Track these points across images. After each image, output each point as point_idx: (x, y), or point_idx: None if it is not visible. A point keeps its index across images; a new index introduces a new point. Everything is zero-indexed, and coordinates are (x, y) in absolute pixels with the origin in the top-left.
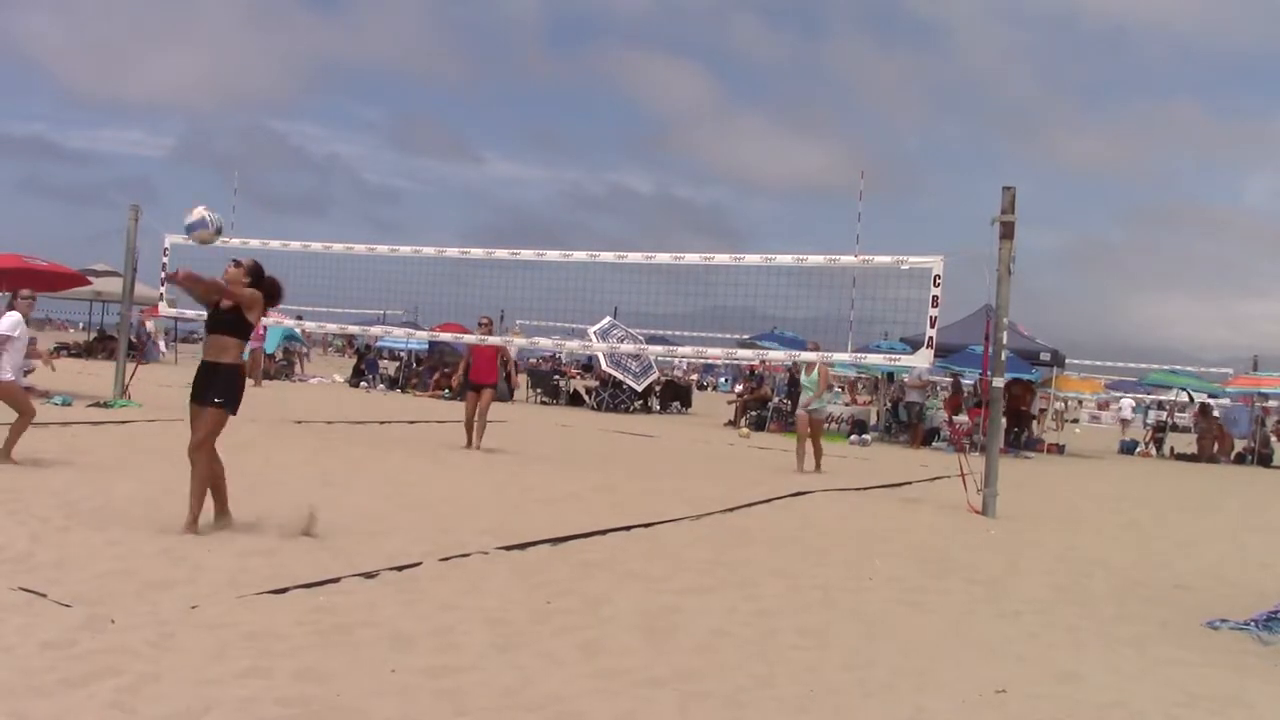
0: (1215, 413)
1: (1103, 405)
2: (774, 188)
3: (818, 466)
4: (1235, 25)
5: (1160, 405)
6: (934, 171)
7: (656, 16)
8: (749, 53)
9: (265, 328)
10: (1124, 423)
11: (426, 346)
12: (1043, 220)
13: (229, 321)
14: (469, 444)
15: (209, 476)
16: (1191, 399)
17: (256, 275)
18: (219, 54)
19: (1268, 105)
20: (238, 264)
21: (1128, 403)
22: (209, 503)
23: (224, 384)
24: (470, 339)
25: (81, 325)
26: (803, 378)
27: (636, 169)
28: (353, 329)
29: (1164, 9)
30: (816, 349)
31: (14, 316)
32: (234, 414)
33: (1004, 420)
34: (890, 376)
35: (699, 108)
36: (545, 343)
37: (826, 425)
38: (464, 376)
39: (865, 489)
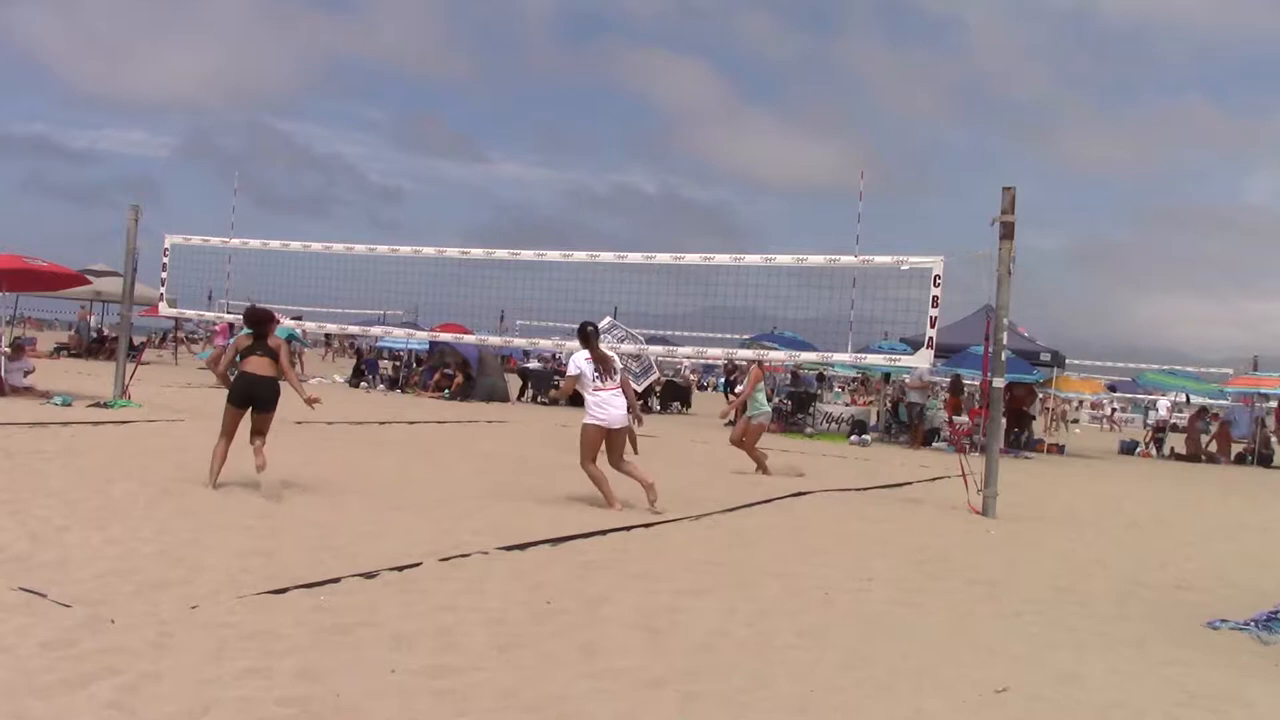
0: (1216, 414)
1: (1097, 406)
2: (781, 188)
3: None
4: (1246, 22)
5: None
6: (943, 171)
7: (664, 15)
8: (757, 52)
9: (231, 325)
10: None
11: (427, 347)
12: (1049, 220)
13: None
14: None
15: None
16: (1189, 400)
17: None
18: (222, 53)
19: (1275, 103)
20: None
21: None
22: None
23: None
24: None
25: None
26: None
27: (641, 169)
28: (353, 329)
29: (1178, 6)
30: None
31: None
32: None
33: (1004, 421)
34: (886, 377)
35: (705, 107)
36: (545, 343)
37: (826, 426)
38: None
39: (865, 489)
